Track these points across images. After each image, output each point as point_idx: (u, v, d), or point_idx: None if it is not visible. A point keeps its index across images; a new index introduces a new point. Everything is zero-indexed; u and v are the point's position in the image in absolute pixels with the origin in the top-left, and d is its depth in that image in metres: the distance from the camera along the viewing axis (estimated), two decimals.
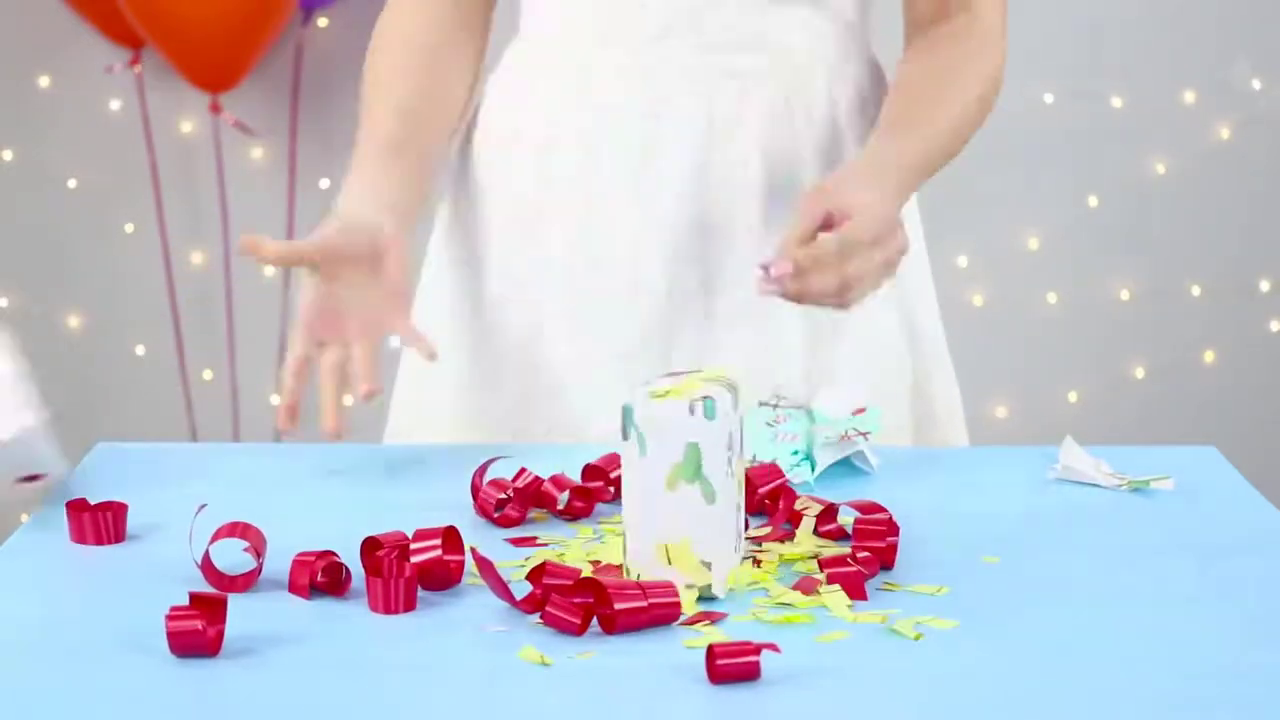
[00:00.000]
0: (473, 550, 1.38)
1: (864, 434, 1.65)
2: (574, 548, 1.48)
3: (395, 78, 1.84)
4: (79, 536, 1.50)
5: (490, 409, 1.88)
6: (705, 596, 1.37)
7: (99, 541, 1.49)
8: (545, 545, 1.49)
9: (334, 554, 1.41)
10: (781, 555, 1.45)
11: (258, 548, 1.42)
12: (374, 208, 1.73)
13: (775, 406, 1.69)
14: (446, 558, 1.40)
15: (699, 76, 1.82)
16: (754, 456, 1.62)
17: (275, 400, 3.66)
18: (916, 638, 1.31)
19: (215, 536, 1.41)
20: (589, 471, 1.60)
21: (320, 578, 1.40)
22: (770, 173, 1.83)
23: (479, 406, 1.89)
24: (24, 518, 1.57)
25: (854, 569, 1.40)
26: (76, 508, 1.51)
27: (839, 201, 1.65)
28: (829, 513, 1.50)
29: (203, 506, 1.47)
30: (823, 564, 1.41)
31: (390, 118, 1.81)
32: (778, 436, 1.65)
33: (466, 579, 1.41)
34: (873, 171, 1.71)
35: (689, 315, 1.83)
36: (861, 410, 1.68)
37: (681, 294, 1.83)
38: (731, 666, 1.24)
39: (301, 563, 1.40)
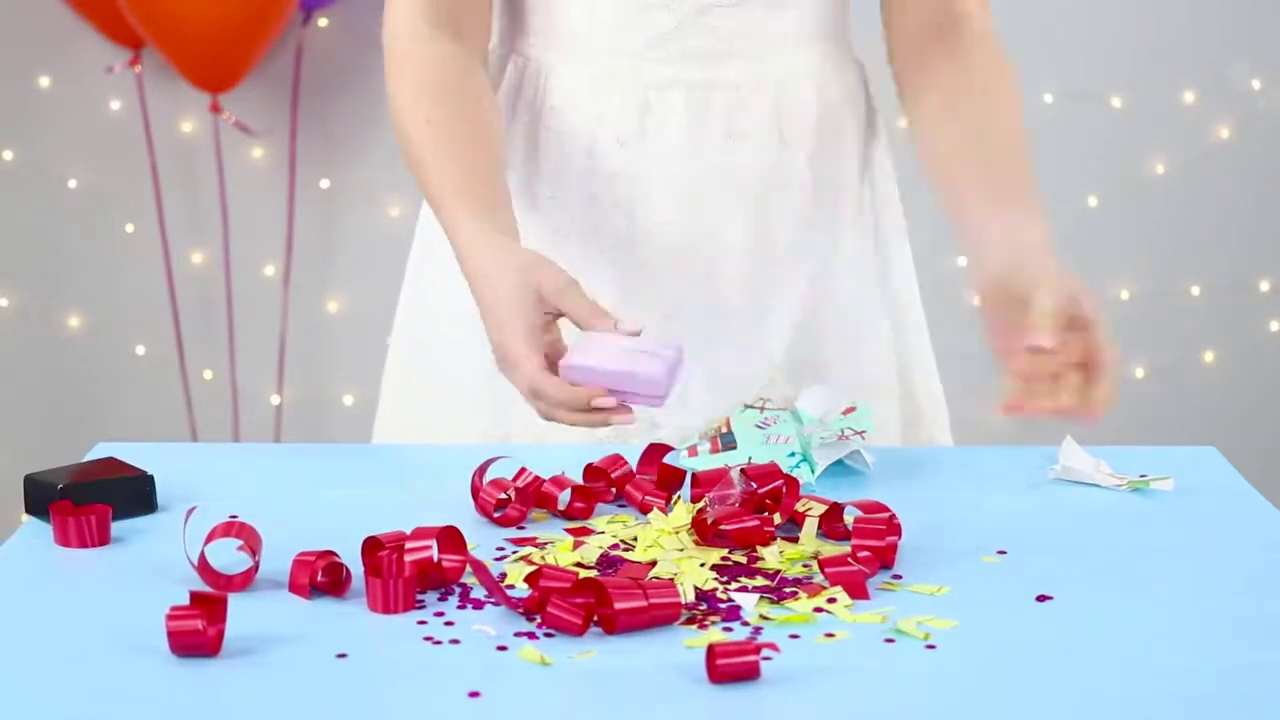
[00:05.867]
0: (470, 558, 1.39)
1: (860, 433, 1.65)
2: (564, 548, 1.48)
3: (443, 132, 1.75)
4: (63, 540, 1.50)
5: (481, 410, 1.88)
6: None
7: (82, 544, 1.49)
8: (541, 546, 1.50)
9: (334, 554, 1.41)
10: (784, 555, 1.45)
11: (253, 546, 1.42)
12: (518, 271, 1.64)
13: (762, 409, 1.69)
14: (442, 557, 1.40)
15: (691, 86, 1.82)
16: (749, 459, 1.62)
17: (275, 400, 3.66)
18: (925, 638, 1.31)
19: (210, 536, 1.41)
20: (590, 471, 1.60)
21: (320, 578, 1.40)
22: (762, 181, 1.83)
23: (472, 405, 1.89)
24: (23, 518, 1.57)
25: (854, 569, 1.40)
26: (60, 511, 1.50)
27: (1074, 303, 1.63)
28: (834, 512, 1.50)
29: (193, 509, 1.47)
30: (823, 563, 1.41)
31: (465, 174, 1.73)
32: (769, 439, 1.65)
33: (466, 579, 1.42)
34: (1046, 255, 1.71)
35: (681, 317, 1.83)
36: (851, 409, 1.68)
37: (673, 299, 1.83)
38: (731, 666, 1.24)
39: (301, 563, 1.40)
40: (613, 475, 1.60)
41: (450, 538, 1.41)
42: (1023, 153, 1.80)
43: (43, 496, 1.54)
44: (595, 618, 1.33)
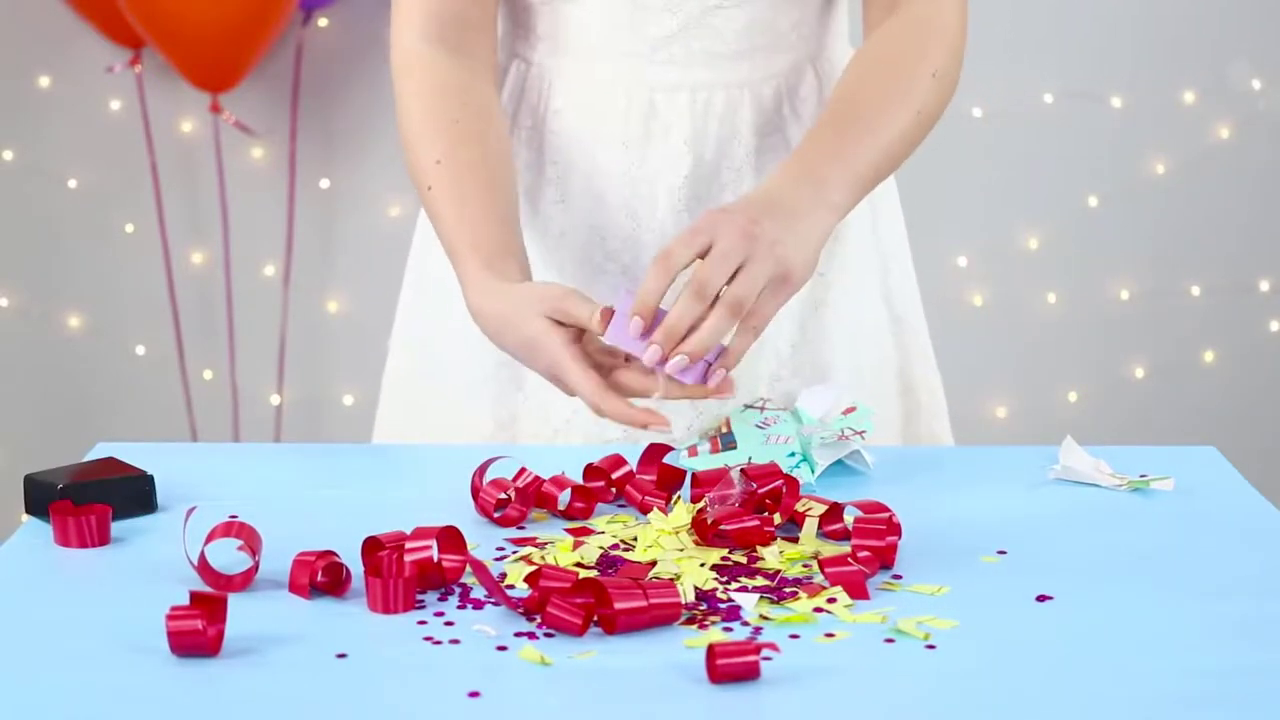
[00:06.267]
0: (470, 558, 1.39)
1: (860, 433, 1.65)
2: (564, 548, 1.48)
3: (453, 175, 1.73)
4: (63, 540, 1.50)
5: (486, 412, 1.88)
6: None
7: (82, 544, 1.49)
8: (540, 546, 1.50)
9: (334, 554, 1.41)
10: (784, 555, 1.45)
11: (253, 546, 1.42)
12: (527, 301, 1.64)
13: (762, 409, 1.69)
14: (442, 557, 1.40)
15: (696, 87, 1.82)
16: (749, 459, 1.62)
17: (275, 400, 3.66)
18: (925, 638, 1.31)
19: (211, 536, 1.41)
20: (590, 471, 1.60)
21: (320, 578, 1.40)
22: (763, 179, 1.83)
23: (475, 409, 1.89)
24: (23, 518, 1.57)
25: (854, 569, 1.40)
26: (60, 511, 1.50)
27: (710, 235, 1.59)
28: (834, 512, 1.50)
29: (193, 509, 1.47)
30: (823, 563, 1.41)
31: (476, 225, 1.71)
32: (769, 439, 1.65)
33: (466, 579, 1.42)
34: (778, 199, 1.64)
35: None
36: (851, 409, 1.68)
37: (673, 296, 1.83)
38: (731, 666, 1.24)
39: (301, 563, 1.40)
40: (613, 475, 1.60)
41: (450, 538, 1.41)
42: (872, 133, 1.71)
43: (43, 496, 1.54)
44: (595, 618, 1.33)
